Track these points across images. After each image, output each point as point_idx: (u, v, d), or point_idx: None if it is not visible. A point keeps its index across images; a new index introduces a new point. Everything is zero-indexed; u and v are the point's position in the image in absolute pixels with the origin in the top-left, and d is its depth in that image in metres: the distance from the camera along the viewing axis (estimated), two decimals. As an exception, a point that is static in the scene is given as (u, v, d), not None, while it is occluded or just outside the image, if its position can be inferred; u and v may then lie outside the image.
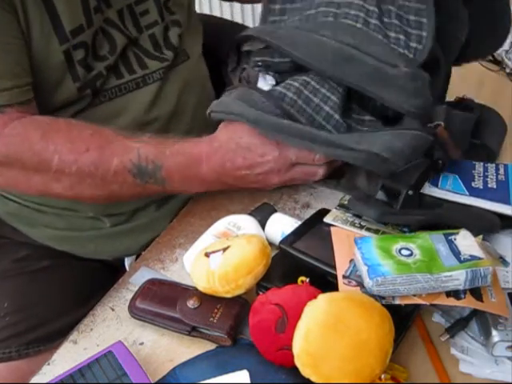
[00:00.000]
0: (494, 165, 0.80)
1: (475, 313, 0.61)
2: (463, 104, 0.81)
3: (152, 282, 0.68)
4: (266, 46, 0.74)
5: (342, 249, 0.64)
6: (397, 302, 0.58)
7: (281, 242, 0.68)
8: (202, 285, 0.63)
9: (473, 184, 0.75)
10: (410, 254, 0.59)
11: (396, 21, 0.74)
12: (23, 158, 0.73)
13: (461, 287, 0.58)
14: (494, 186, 0.75)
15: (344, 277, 0.61)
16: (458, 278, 0.57)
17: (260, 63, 0.76)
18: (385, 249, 0.60)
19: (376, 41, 0.73)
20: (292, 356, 0.55)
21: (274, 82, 0.75)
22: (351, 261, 0.62)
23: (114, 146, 0.73)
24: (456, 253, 0.59)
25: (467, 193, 0.74)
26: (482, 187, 0.75)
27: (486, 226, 0.67)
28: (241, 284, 0.62)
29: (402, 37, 0.74)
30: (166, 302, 0.65)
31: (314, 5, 0.77)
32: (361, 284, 0.59)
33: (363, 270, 0.58)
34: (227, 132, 0.72)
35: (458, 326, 0.61)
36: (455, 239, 0.61)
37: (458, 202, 0.73)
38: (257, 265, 0.62)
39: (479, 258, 0.58)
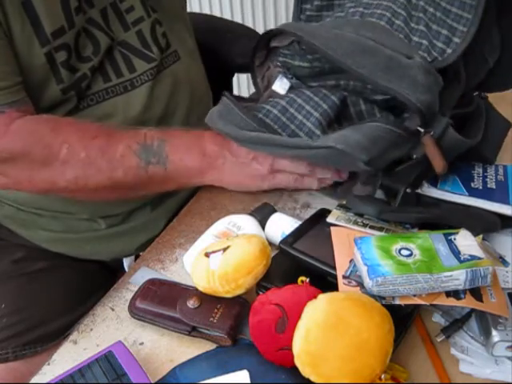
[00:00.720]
0: (493, 166, 0.80)
1: (470, 314, 0.61)
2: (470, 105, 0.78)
3: (152, 282, 0.68)
4: (291, 42, 0.76)
5: (342, 249, 0.64)
6: (397, 302, 0.58)
7: (281, 242, 0.68)
8: (203, 285, 0.63)
9: (472, 184, 0.75)
10: (410, 254, 0.59)
11: (423, 28, 0.73)
12: (31, 153, 0.73)
13: (461, 287, 0.58)
14: (494, 187, 0.75)
15: (344, 277, 0.61)
16: (458, 277, 0.57)
17: (281, 64, 0.79)
18: (385, 249, 0.60)
19: (396, 37, 0.73)
20: (292, 356, 0.55)
21: (287, 87, 0.78)
22: (351, 261, 0.62)
23: (122, 132, 0.75)
24: (456, 253, 0.59)
25: (466, 193, 0.74)
26: (481, 187, 0.75)
27: (485, 226, 0.67)
28: (241, 284, 0.62)
29: (425, 42, 0.73)
30: (165, 302, 0.65)
31: (345, 7, 0.80)
32: (361, 284, 0.59)
33: (363, 269, 0.58)
34: None
35: (453, 326, 0.61)
36: (455, 239, 0.61)
37: (458, 202, 0.73)
38: (257, 265, 0.62)
39: (479, 258, 0.58)
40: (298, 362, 0.54)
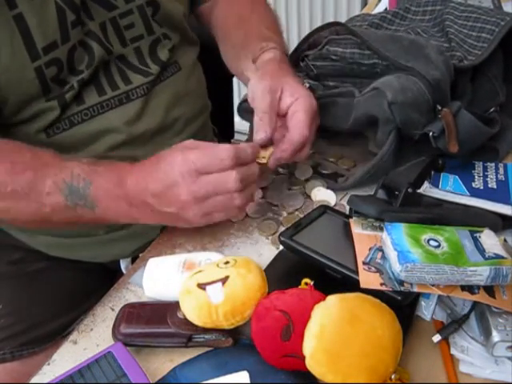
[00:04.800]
0: (493, 164, 0.80)
1: (468, 315, 0.61)
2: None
3: (131, 306, 0.65)
4: (322, 46, 0.88)
5: (361, 237, 0.65)
6: (415, 289, 0.58)
7: (280, 233, 0.67)
8: (204, 320, 0.59)
9: (473, 184, 0.75)
10: (438, 246, 0.60)
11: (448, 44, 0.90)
12: None
13: (482, 283, 0.58)
14: (495, 186, 0.75)
15: (364, 263, 0.61)
16: (482, 273, 0.57)
17: (303, 67, 0.89)
18: (414, 237, 0.60)
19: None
20: (295, 361, 0.54)
21: (307, 86, 0.84)
22: (370, 248, 0.63)
23: (50, 168, 0.71)
24: (481, 250, 0.60)
25: (468, 193, 0.74)
26: (482, 187, 0.75)
27: (487, 226, 0.67)
28: (246, 316, 0.59)
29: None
30: (154, 320, 0.62)
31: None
32: (380, 271, 0.60)
33: (392, 255, 0.59)
34: (161, 158, 0.71)
35: (450, 327, 0.61)
36: (480, 237, 0.62)
37: (459, 202, 0.73)
38: (261, 294, 0.60)
39: (503, 257, 0.59)
40: (311, 363, 0.53)
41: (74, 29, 0.76)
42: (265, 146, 0.74)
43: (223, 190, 0.68)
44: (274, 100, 0.74)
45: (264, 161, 0.73)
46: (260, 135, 0.73)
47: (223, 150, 0.68)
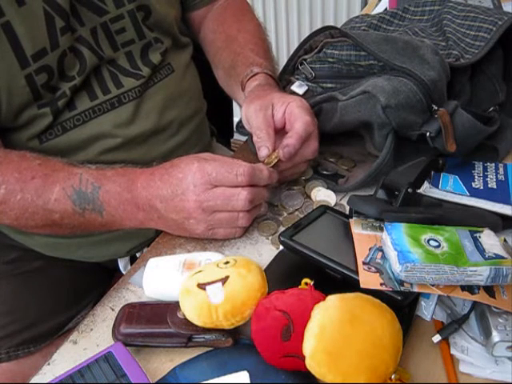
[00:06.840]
0: (493, 164, 0.80)
1: (468, 315, 0.62)
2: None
3: (131, 306, 0.65)
4: (319, 49, 0.89)
5: (361, 237, 0.65)
6: (415, 289, 0.58)
7: (280, 234, 0.67)
8: (203, 320, 0.59)
9: (473, 184, 0.75)
10: (438, 246, 0.60)
11: (445, 43, 0.91)
12: None
13: (482, 283, 0.58)
14: (494, 186, 0.75)
15: (364, 263, 0.61)
16: (482, 273, 0.57)
17: (301, 71, 0.89)
18: (414, 237, 0.60)
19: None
20: (296, 361, 0.54)
21: (304, 88, 0.88)
22: (370, 248, 0.63)
23: (58, 174, 0.72)
24: (481, 250, 0.60)
25: (468, 193, 0.74)
26: (482, 187, 0.75)
27: (487, 226, 0.67)
28: (246, 316, 0.59)
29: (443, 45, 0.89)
30: (154, 320, 0.62)
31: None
32: (380, 271, 0.60)
33: (392, 254, 0.59)
34: (175, 165, 0.71)
35: (450, 328, 0.61)
36: (480, 237, 0.63)
37: (459, 202, 0.73)
38: (261, 294, 0.60)
39: (502, 258, 0.59)
40: (312, 364, 0.53)
41: (63, 35, 0.76)
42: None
43: (231, 208, 0.69)
44: (267, 116, 0.75)
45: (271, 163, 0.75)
46: (262, 152, 0.74)
47: (241, 166, 0.69)
